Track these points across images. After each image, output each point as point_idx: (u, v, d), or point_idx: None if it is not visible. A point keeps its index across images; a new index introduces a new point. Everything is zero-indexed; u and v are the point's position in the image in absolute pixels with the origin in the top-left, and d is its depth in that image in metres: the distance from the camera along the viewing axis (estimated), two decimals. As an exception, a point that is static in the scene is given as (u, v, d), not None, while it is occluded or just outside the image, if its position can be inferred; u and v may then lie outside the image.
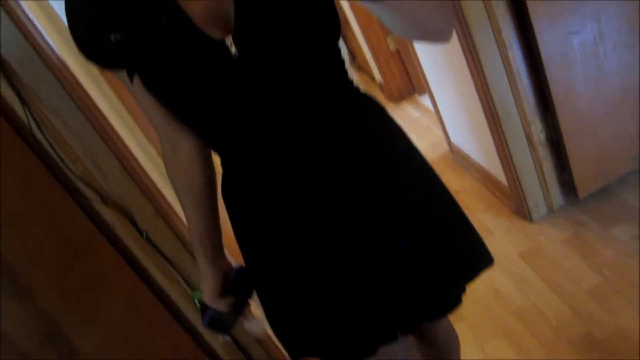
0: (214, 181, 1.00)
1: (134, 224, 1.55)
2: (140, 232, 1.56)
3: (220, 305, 1.03)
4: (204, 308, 1.04)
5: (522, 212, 2.32)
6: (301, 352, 1.02)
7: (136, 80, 0.84)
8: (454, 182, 2.79)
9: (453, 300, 1.01)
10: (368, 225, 0.92)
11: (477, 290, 2.09)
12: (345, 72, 0.93)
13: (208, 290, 1.02)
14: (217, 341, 1.72)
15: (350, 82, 0.95)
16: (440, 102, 2.86)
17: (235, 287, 1.04)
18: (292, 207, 0.91)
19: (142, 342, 1.56)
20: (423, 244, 0.95)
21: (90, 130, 1.46)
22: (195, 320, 1.66)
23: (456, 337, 1.36)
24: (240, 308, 1.06)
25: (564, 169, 2.21)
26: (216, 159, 1.01)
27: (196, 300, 1.05)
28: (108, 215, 1.51)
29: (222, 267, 1.02)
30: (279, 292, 0.98)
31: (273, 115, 0.86)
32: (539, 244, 2.15)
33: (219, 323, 1.04)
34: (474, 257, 1.02)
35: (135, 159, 1.57)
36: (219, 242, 1.02)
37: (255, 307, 1.12)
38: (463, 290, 1.03)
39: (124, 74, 0.86)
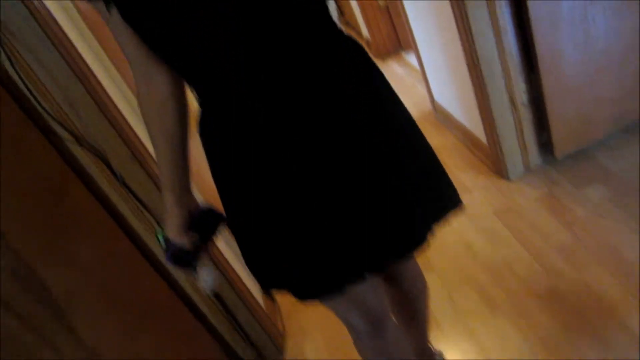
0: (187, 120, 0.99)
1: (109, 166, 1.54)
2: (115, 175, 1.55)
3: (183, 242, 1.04)
4: (167, 244, 1.05)
5: (499, 170, 2.34)
6: (271, 284, 1.05)
7: (114, 10, 0.82)
8: (435, 140, 2.80)
9: (420, 240, 1.05)
10: (346, 164, 0.94)
11: (450, 243, 2.13)
12: (331, 17, 0.93)
13: (172, 226, 1.03)
14: (189, 283, 1.74)
15: (338, 30, 0.95)
16: (426, 59, 2.84)
17: (199, 225, 1.05)
18: (271, 144, 0.91)
19: (115, 284, 1.58)
20: (399, 183, 0.97)
21: (66, 69, 1.43)
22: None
23: (425, 284, 1.40)
24: (202, 246, 1.07)
25: (544, 129, 2.23)
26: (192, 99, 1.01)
27: (159, 237, 1.07)
28: (83, 157, 1.50)
29: (187, 204, 1.03)
30: (253, 226, 1.00)
31: (257, 54, 0.85)
32: (513, 202, 2.19)
33: (181, 259, 1.06)
34: (446, 200, 1.07)
35: (111, 101, 1.55)
36: (186, 180, 1.02)
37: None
38: (430, 230, 1.06)
39: (100, 4, 0.84)
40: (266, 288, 1.07)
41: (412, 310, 1.40)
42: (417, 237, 1.04)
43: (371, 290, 1.12)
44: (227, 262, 1.88)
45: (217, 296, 1.82)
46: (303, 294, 1.04)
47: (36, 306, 1.37)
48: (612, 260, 1.78)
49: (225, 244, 1.98)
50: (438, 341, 1.75)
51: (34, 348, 1.35)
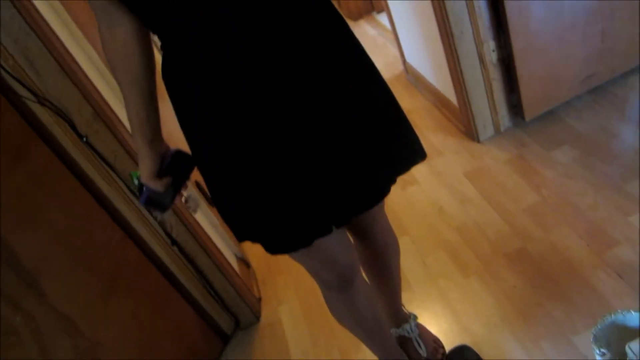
0: (152, 63, 0.99)
1: (72, 126, 1.48)
2: (79, 134, 1.49)
3: (157, 185, 1.05)
4: (141, 187, 1.07)
5: (470, 133, 2.35)
6: (244, 236, 1.08)
7: None
8: (406, 102, 2.79)
9: (383, 191, 1.07)
10: (313, 116, 0.95)
11: (421, 206, 2.14)
12: None
13: (145, 170, 1.04)
14: (162, 248, 1.71)
15: None
16: (398, 20, 2.80)
17: (172, 168, 1.07)
18: (240, 95, 0.91)
19: (84, 248, 1.54)
20: (364, 136, 1.00)
21: (21, 22, 1.34)
22: (137, 223, 1.64)
23: (395, 241, 1.41)
24: (176, 189, 1.09)
25: (513, 91, 2.23)
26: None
27: (135, 180, 1.07)
28: (44, 116, 1.44)
29: (159, 149, 1.04)
30: (225, 177, 1.02)
31: None
32: (483, 164, 2.21)
33: (155, 202, 1.08)
34: (410, 152, 1.10)
35: (72, 58, 1.47)
36: (156, 125, 1.03)
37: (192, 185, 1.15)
38: (393, 182, 1.09)
39: None
40: (240, 239, 1.09)
41: (384, 268, 1.42)
42: (381, 188, 1.07)
43: (339, 244, 1.15)
44: (202, 229, 1.85)
45: (192, 262, 1.80)
46: (272, 247, 1.07)
47: (5, 273, 1.33)
48: (578, 221, 1.82)
49: (200, 212, 1.95)
50: (410, 304, 1.77)
51: (6, 315, 1.32)
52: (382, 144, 1.03)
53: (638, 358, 1.07)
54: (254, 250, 2.30)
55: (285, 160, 0.96)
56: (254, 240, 1.07)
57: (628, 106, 2.16)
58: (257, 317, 2.00)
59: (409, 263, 1.93)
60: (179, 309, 1.82)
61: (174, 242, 1.74)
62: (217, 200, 1.06)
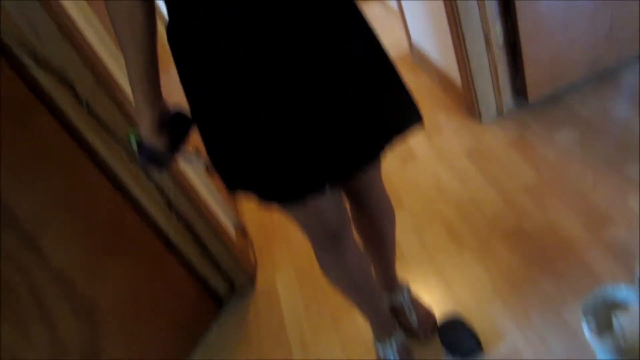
0: (153, 19, 0.98)
1: (74, 92, 1.49)
2: (80, 101, 1.50)
3: (157, 142, 1.06)
4: (140, 145, 1.08)
5: (473, 113, 2.36)
6: (235, 184, 1.09)
7: None
8: (411, 81, 2.75)
9: (378, 150, 1.09)
10: (311, 72, 0.96)
11: (421, 182, 2.15)
12: None
13: (145, 127, 1.05)
14: (160, 212, 1.73)
15: None
16: (405, 2, 2.79)
17: (172, 126, 1.08)
18: (238, 49, 0.91)
19: (82, 210, 1.56)
20: (362, 95, 1.01)
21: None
22: (135, 188, 1.65)
23: (391, 209, 1.42)
24: (175, 148, 1.10)
25: (518, 73, 2.23)
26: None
27: (131, 138, 1.08)
28: (46, 82, 1.45)
29: (158, 107, 1.04)
30: (217, 127, 1.02)
31: None
32: (484, 144, 2.21)
33: (154, 160, 1.09)
34: (407, 114, 1.12)
35: (73, 23, 1.47)
36: (157, 83, 1.03)
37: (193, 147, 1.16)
38: (390, 143, 1.10)
39: None
40: (231, 188, 1.10)
41: (379, 235, 1.43)
42: (375, 146, 1.08)
43: (332, 204, 1.16)
44: (200, 197, 1.86)
45: (188, 227, 1.82)
46: (264, 197, 1.08)
47: (6, 234, 1.35)
48: (576, 201, 1.83)
49: (197, 178, 1.96)
50: (405, 275, 1.79)
51: (6, 274, 1.35)
52: (376, 103, 1.04)
53: (624, 328, 1.08)
54: (252, 220, 2.32)
55: (282, 113, 0.97)
56: (246, 188, 1.08)
57: (631, 91, 2.16)
58: (252, 283, 2.02)
59: (405, 237, 1.94)
60: (175, 273, 1.84)
61: (171, 206, 1.76)
62: (212, 149, 1.07)
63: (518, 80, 2.26)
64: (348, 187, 1.27)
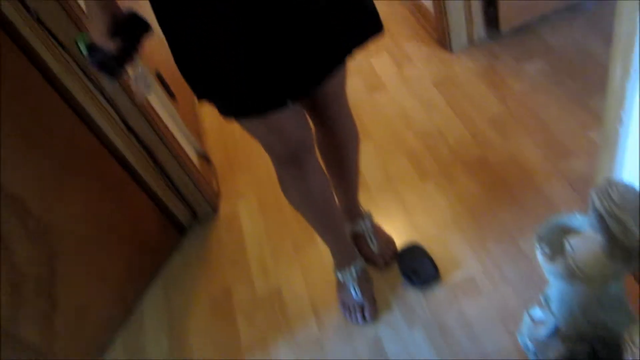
0: None
1: (22, 1, 1.38)
2: (29, 10, 1.40)
3: (108, 46, 1.00)
4: (91, 49, 1.02)
5: (443, 42, 2.30)
6: (202, 94, 1.06)
7: None
8: (384, 8, 2.68)
9: (338, 62, 1.08)
10: None
11: (387, 111, 2.12)
12: None
13: (96, 30, 0.99)
14: (118, 135, 1.67)
15: None
16: None
17: (124, 31, 1.01)
18: None
19: (34, 128, 1.49)
20: (325, 6, 0.98)
21: None
22: (91, 108, 1.58)
23: (356, 132, 1.40)
24: (128, 54, 1.04)
25: (491, 2, 2.17)
26: None
27: (80, 43, 1.01)
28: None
29: (111, 8, 0.98)
30: (183, 35, 0.99)
31: None
32: (453, 73, 2.18)
33: (106, 65, 1.03)
34: (367, 24, 1.09)
35: None
36: None
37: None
38: (350, 53, 1.08)
39: None
40: (198, 97, 1.08)
41: (342, 159, 1.41)
42: (336, 58, 1.06)
43: (294, 121, 1.14)
44: (161, 119, 1.80)
45: (149, 152, 1.77)
46: (225, 109, 1.07)
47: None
48: (540, 133, 1.83)
49: (159, 102, 1.89)
50: (367, 204, 1.79)
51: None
52: (336, 12, 1.00)
53: (575, 250, 1.10)
54: (216, 149, 2.28)
55: (243, 24, 0.93)
56: (210, 99, 1.06)
57: (601, 24, 2.13)
58: (214, 210, 2.00)
59: (369, 167, 1.93)
60: (135, 198, 1.80)
61: (130, 129, 1.70)
62: (179, 55, 1.03)
63: (491, 10, 2.20)
64: (311, 104, 1.24)
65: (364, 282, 1.57)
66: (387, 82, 2.24)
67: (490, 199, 1.70)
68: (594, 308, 1.11)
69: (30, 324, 1.50)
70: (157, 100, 1.89)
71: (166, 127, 1.84)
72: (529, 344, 1.34)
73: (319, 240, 1.72)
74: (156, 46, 1.41)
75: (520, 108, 1.94)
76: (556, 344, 1.26)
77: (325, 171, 1.39)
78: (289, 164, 1.23)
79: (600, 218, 0.94)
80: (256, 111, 1.05)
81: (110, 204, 1.73)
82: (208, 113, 2.46)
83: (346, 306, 1.55)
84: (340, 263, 1.56)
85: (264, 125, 1.11)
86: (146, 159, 1.78)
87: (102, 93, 1.59)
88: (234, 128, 2.34)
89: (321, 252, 1.73)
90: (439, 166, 1.86)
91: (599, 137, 1.58)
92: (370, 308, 1.53)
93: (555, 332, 1.25)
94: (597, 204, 0.93)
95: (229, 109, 1.07)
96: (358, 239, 1.64)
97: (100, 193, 1.69)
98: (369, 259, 1.64)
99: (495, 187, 1.73)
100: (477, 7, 2.19)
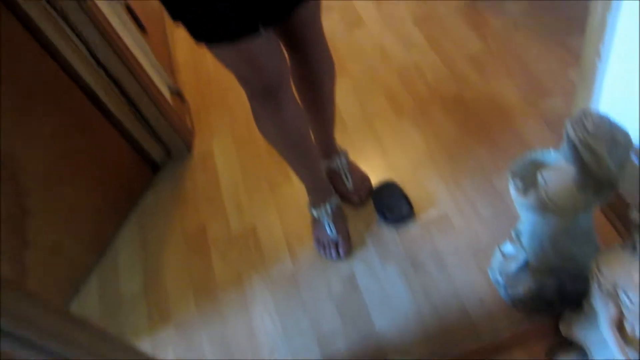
0: None
1: None
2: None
3: None
4: None
5: (424, -23, 2.24)
6: (176, 15, 1.02)
7: None
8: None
9: None
10: None
11: (366, 48, 2.08)
12: None
13: None
14: (86, 68, 1.61)
15: None
16: None
17: None
18: None
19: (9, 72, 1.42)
20: None
21: None
22: (55, 37, 1.51)
23: (331, 64, 1.36)
24: None
25: None
26: None
27: None
28: None
29: None
30: None
31: None
32: (434, 11, 2.12)
33: None
34: None
35: None
36: None
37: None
38: None
39: None
40: (173, 18, 1.03)
41: (318, 92, 1.38)
42: None
43: (268, 50, 1.10)
44: (131, 54, 1.73)
45: (119, 87, 1.71)
46: (197, 34, 1.03)
47: None
48: (518, 71, 1.81)
49: (129, 35, 1.81)
50: (343, 141, 1.77)
51: None
52: None
53: (547, 183, 1.10)
54: (190, 85, 2.22)
55: None
56: (182, 21, 1.01)
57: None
58: (188, 148, 1.97)
59: (346, 103, 1.90)
60: (106, 134, 1.75)
61: (99, 63, 1.63)
62: None
63: (473, -57, 2.14)
64: (286, 33, 1.19)
65: (339, 219, 1.57)
66: (366, 19, 2.18)
67: (466, 136, 1.69)
68: (563, 240, 1.13)
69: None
70: (126, 33, 1.81)
71: (137, 60, 1.77)
72: (500, 278, 1.36)
73: (294, 177, 1.71)
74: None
75: (500, 46, 1.91)
76: (526, 277, 1.29)
77: (301, 103, 1.36)
78: (264, 96, 1.19)
79: (574, 148, 0.93)
80: (227, 37, 1.01)
81: (80, 141, 1.68)
82: (181, 49, 2.38)
83: (321, 243, 1.56)
84: (315, 200, 1.56)
85: (235, 53, 1.06)
86: (117, 95, 1.72)
87: (68, 23, 1.51)
88: (209, 64, 2.27)
89: (296, 190, 1.72)
90: (416, 103, 1.84)
91: (577, 73, 1.56)
92: (344, 244, 1.54)
93: (525, 266, 1.28)
94: (571, 133, 0.92)
95: (200, 34, 1.03)
96: (333, 176, 1.63)
97: (70, 129, 1.64)
98: (344, 196, 1.63)
99: (472, 126, 1.72)
100: (459, -59, 2.12)
